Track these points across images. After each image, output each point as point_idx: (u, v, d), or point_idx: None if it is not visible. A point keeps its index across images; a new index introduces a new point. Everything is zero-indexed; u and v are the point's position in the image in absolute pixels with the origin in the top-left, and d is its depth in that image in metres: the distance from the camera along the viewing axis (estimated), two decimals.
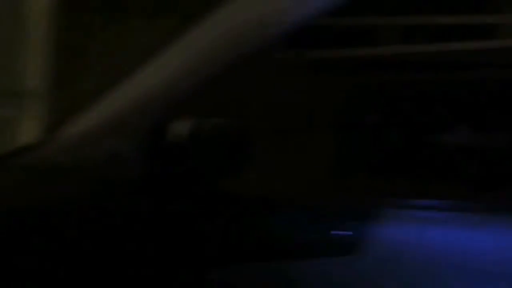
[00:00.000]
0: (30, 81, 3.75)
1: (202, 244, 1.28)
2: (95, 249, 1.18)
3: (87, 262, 1.17)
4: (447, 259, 1.25)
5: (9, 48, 3.65)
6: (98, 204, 1.21)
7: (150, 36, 4.21)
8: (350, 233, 1.30)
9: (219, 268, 1.28)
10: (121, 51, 3.54)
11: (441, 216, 1.34)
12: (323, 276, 1.29)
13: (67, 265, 1.17)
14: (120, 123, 1.19)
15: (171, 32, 1.20)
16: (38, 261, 1.17)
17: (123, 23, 4.59)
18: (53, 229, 1.19)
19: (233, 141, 1.45)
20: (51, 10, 3.79)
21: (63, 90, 3.65)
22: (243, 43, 1.12)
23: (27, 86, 3.76)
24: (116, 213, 1.19)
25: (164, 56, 1.17)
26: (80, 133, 1.22)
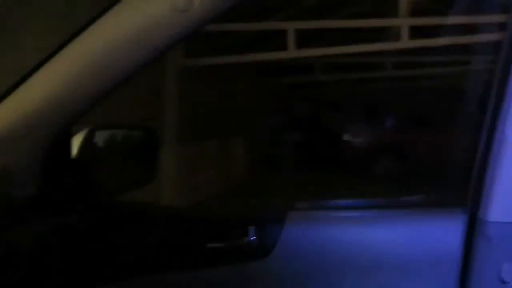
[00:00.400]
0: None
1: (98, 258, 1.27)
2: None
3: None
4: (359, 256, 1.30)
5: None
6: None
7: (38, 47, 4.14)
8: (260, 237, 1.32)
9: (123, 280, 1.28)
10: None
11: (349, 215, 1.40)
12: (235, 282, 1.31)
13: None
14: (11, 138, 1.16)
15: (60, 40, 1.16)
16: None
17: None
18: None
19: (138, 150, 1.43)
20: None
21: None
22: (138, 50, 1.10)
23: None
24: (6, 229, 1.16)
25: (55, 65, 1.14)
26: None
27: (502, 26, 1.24)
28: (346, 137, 11.69)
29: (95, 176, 1.44)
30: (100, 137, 1.52)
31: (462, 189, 1.36)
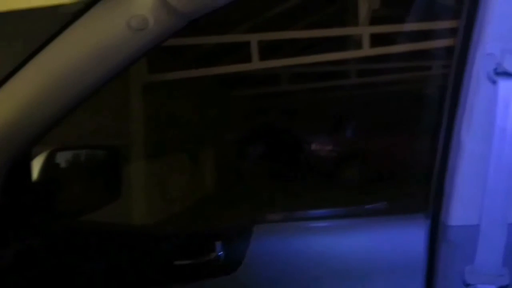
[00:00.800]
0: None
1: (63, 280, 1.26)
2: None
3: None
4: (326, 265, 1.32)
5: None
6: None
7: None
8: (227, 252, 1.33)
9: None
10: None
11: (314, 225, 1.42)
12: None
13: None
14: None
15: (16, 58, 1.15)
16: None
17: None
18: None
19: (101, 170, 1.43)
20: None
21: None
22: (96, 70, 1.10)
23: None
24: None
25: (11, 88, 1.13)
26: None
27: (454, 32, 1.27)
28: (311, 146, 11.80)
29: (57, 198, 1.42)
30: (62, 158, 1.50)
31: (423, 195, 1.39)
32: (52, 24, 1.22)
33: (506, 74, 1.09)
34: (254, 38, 7.36)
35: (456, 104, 1.20)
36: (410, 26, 8.00)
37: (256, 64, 7.44)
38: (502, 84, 1.09)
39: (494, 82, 1.11)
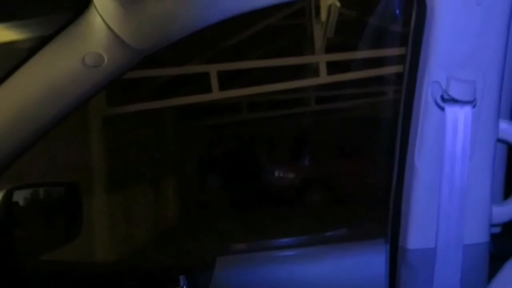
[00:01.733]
0: None
1: None
2: None
3: None
4: None
5: None
6: None
7: None
8: (190, 285, 1.33)
9: None
10: None
11: (276, 254, 1.44)
12: None
13: None
14: None
15: None
16: None
17: None
18: None
19: (61, 207, 1.42)
20: None
21: None
22: (51, 106, 1.10)
23: None
24: None
25: None
26: None
27: (403, 58, 1.32)
28: (273, 173, 11.85)
29: (17, 237, 1.39)
30: (20, 196, 1.48)
31: (382, 220, 1.41)
32: (8, 60, 1.22)
33: (453, 101, 1.13)
34: (213, 69, 7.40)
35: (407, 130, 1.23)
36: (363, 54, 8.22)
37: (216, 94, 7.48)
38: (449, 110, 1.14)
39: (442, 109, 1.15)
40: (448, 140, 1.15)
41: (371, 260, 1.40)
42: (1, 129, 1.12)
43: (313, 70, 7.77)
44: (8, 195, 1.37)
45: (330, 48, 7.62)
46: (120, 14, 1.06)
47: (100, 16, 1.05)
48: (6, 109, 1.11)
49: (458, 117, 1.14)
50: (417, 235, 1.24)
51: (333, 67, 7.90)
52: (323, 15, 5.88)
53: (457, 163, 1.15)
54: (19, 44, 3.84)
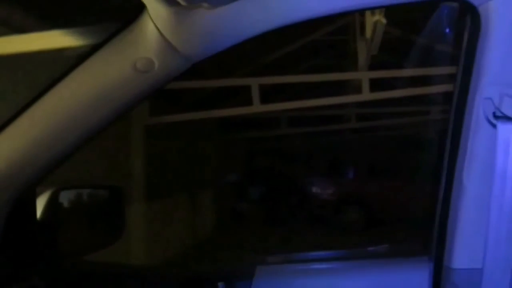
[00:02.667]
0: None
1: None
2: None
3: None
4: None
5: None
6: None
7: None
8: None
9: None
10: None
11: (316, 267, 1.41)
12: None
13: None
14: None
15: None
16: None
17: None
18: None
19: (104, 210, 1.43)
20: None
21: None
22: (100, 110, 1.12)
23: None
24: None
25: (16, 127, 1.16)
26: None
27: (452, 77, 1.30)
28: (311, 189, 11.76)
29: (61, 237, 1.42)
30: (66, 197, 1.51)
31: (426, 238, 1.39)
32: (59, 66, 1.25)
33: (505, 118, 1.11)
34: (255, 82, 7.44)
35: (457, 147, 1.21)
36: (409, 72, 8.12)
37: (257, 107, 7.50)
38: (501, 127, 1.11)
39: (493, 126, 1.12)
40: (499, 158, 1.12)
41: (413, 278, 1.38)
42: (51, 131, 1.15)
43: (355, 87, 7.73)
44: (55, 195, 1.40)
45: (373, 65, 7.56)
46: (173, 21, 1.08)
47: (153, 22, 1.07)
48: (57, 111, 1.14)
49: (511, 135, 1.11)
50: (463, 254, 1.21)
51: (377, 84, 7.83)
52: (368, 32, 5.85)
53: (508, 182, 1.12)
54: (70, 52, 3.95)
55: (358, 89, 7.57)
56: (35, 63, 4.10)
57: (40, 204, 1.35)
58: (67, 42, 3.65)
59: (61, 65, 1.26)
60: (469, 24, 1.18)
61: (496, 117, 1.12)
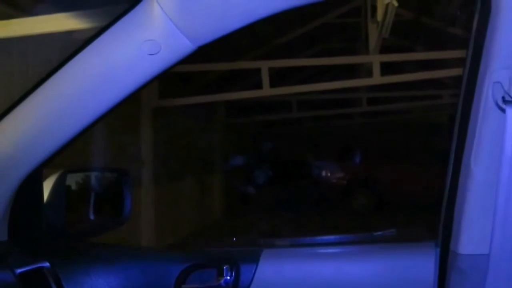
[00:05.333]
0: None
1: None
2: None
3: None
4: None
5: None
6: None
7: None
8: (235, 276, 1.33)
9: None
10: None
11: (323, 251, 1.41)
12: None
13: None
14: None
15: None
16: None
17: None
18: None
19: (111, 192, 1.43)
20: None
21: None
22: (107, 92, 1.12)
23: None
24: None
25: (23, 110, 1.16)
26: None
27: (462, 61, 1.28)
28: (319, 173, 11.78)
29: (68, 219, 1.43)
30: (73, 180, 1.52)
31: (433, 223, 1.38)
32: (66, 49, 1.25)
33: None
34: (264, 65, 7.41)
35: (465, 132, 1.20)
36: (419, 56, 8.04)
37: (266, 90, 7.48)
38: (510, 112, 1.09)
39: (502, 110, 1.11)
40: (508, 142, 1.10)
41: (419, 263, 1.37)
42: (58, 113, 1.15)
43: (366, 71, 7.67)
44: (62, 178, 1.40)
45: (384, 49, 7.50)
46: (178, 4, 1.07)
47: (159, 4, 1.07)
48: (64, 93, 1.15)
49: None
50: (469, 240, 1.20)
51: (387, 68, 7.77)
52: (380, 15, 5.77)
53: None
54: (78, 35, 3.95)
55: (369, 73, 7.51)
56: (41, 45, 4.12)
57: (47, 186, 1.36)
58: (74, 25, 3.66)
59: (68, 47, 1.26)
60: (479, 7, 1.16)
61: (505, 101, 1.10)
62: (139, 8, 1.10)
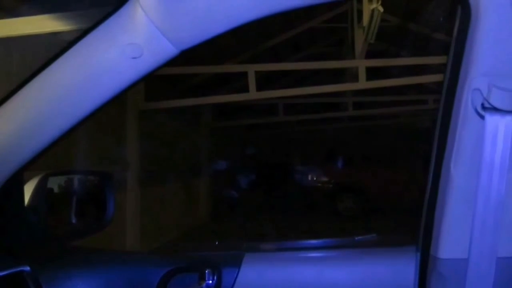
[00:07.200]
0: None
1: None
2: None
3: None
4: None
5: None
6: None
7: None
8: (216, 280, 1.33)
9: None
10: None
11: (304, 255, 1.42)
12: None
13: None
14: None
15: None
16: None
17: None
18: None
19: (94, 195, 1.42)
20: None
21: None
22: (90, 96, 1.11)
23: None
24: None
25: (3, 113, 1.15)
26: None
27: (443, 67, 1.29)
28: (305, 176, 11.81)
29: (49, 223, 1.42)
30: (55, 183, 1.51)
31: (414, 227, 1.39)
32: (48, 51, 1.24)
33: (493, 109, 1.10)
34: (251, 69, 7.41)
35: (445, 138, 1.21)
36: (404, 61, 8.10)
37: (253, 94, 7.48)
38: (489, 119, 1.11)
39: (481, 117, 1.12)
40: (486, 149, 1.12)
41: (400, 267, 1.38)
42: (39, 116, 1.14)
43: (352, 75, 7.71)
44: (43, 181, 1.39)
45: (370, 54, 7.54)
46: (161, 8, 1.07)
47: (142, 8, 1.06)
48: (45, 96, 1.14)
49: (499, 126, 1.11)
50: (449, 244, 1.21)
51: (373, 73, 7.81)
52: (366, 20, 5.81)
53: (495, 173, 1.12)
54: (62, 36, 3.93)
55: (355, 78, 7.54)
56: (24, 47, 4.08)
57: (28, 190, 1.35)
58: (57, 27, 3.63)
59: (50, 49, 1.25)
60: (459, 14, 1.18)
61: (484, 108, 1.11)
62: (122, 12, 1.10)
